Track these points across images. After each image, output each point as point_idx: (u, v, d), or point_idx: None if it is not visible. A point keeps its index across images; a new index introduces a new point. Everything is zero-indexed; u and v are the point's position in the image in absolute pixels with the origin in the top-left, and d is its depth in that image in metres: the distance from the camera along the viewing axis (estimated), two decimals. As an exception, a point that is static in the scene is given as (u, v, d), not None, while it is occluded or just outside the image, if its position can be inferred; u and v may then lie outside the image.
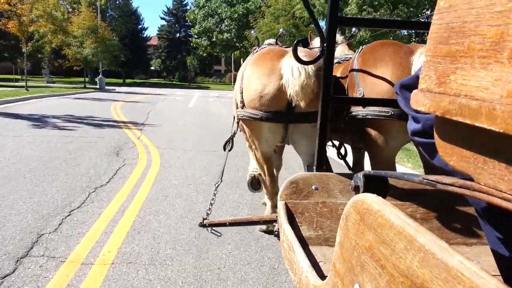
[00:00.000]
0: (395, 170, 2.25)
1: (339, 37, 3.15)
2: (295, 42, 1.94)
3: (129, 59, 49.89)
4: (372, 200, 0.69)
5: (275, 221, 1.84)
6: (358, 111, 2.12)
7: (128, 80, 52.26)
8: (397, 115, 1.96)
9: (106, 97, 19.05)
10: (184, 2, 44.69)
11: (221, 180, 2.52)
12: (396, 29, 10.91)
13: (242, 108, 2.44)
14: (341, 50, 3.09)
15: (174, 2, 57.36)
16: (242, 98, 2.43)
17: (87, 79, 30.79)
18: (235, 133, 2.86)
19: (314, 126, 1.89)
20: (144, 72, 62.99)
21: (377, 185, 0.97)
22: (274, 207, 2.60)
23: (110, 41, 27.06)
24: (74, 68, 35.36)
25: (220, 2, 26.30)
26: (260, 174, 2.89)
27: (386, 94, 2.06)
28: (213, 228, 2.16)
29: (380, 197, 0.69)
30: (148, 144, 6.92)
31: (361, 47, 2.40)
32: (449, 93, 0.62)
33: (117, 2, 46.18)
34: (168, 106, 15.68)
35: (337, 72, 2.49)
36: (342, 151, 2.85)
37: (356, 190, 1.00)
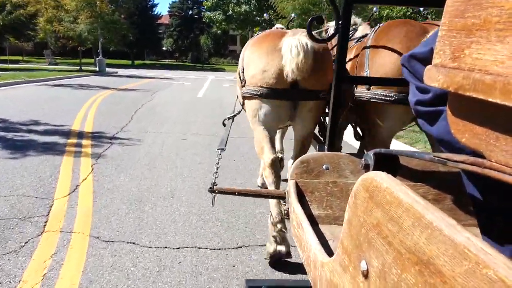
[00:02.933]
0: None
1: (357, 20, 3.11)
2: (309, 19, 1.92)
3: (138, 39, 46.26)
4: (381, 177, 0.68)
5: (284, 197, 1.75)
6: (362, 93, 2.11)
7: (137, 62, 48.67)
8: (400, 99, 1.97)
9: (97, 83, 15.41)
10: None
11: (225, 148, 2.35)
12: (413, 6, 9.69)
13: (244, 86, 2.41)
14: (362, 29, 3.01)
15: (187, -24, 52.95)
16: (244, 77, 2.41)
17: (84, 60, 27.31)
18: (239, 112, 2.82)
19: (313, 107, 2.29)
20: (155, 52, 59.30)
21: (387, 163, 0.96)
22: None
23: (109, 16, 23.18)
24: (79, 48, 32.04)
25: (238, -34, 22.07)
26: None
27: (391, 77, 2.07)
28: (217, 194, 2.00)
29: (389, 175, 0.68)
30: (82, 220, 3.19)
31: (378, 25, 2.34)
32: (463, 68, 0.61)
33: (123, -25, 42.05)
34: (170, 97, 11.92)
35: (353, 50, 2.48)
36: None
37: (366, 168, 0.98)
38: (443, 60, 0.66)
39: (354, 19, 3.01)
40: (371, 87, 2.13)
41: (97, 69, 24.95)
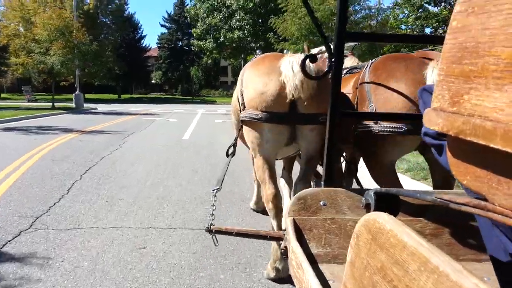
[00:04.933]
0: (397, 178, 2.22)
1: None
2: (303, 57, 1.94)
3: (126, 72, 44.01)
4: (384, 219, 0.68)
5: (283, 238, 1.78)
6: (370, 126, 2.09)
7: (124, 96, 46.26)
8: (409, 130, 1.97)
9: (64, 124, 12.66)
10: (187, 5, 37.99)
11: (221, 187, 2.33)
12: (406, 43, 9.74)
13: (243, 110, 2.32)
14: (349, 60, 3.13)
15: (176, 8, 51.45)
16: (243, 100, 2.31)
17: (66, 96, 24.72)
18: (236, 139, 2.67)
19: (315, 129, 2.19)
20: (144, 86, 57.07)
21: (388, 202, 0.96)
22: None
23: (87, 46, 20.68)
24: (61, 83, 29.57)
25: (229, -11, 19.85)
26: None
27: (399, 111, 2.05)
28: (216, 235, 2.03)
29: (392, 216, 0.69)
30: None
31: (370, 61, 2.37)
32: (462, 113, 0.62)
33: (109, 6, 40.19)
34: (147, 141, 9.16)
35: (346, 84, 2.46)
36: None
37: (367, 208, 0.97)
38: (442, 104, 0.67)
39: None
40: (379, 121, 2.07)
41: (73, 105, 22.33)
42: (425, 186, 4.40)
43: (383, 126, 2.04)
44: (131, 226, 3.47)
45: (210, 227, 1.93)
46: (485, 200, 0.62)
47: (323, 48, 3.18)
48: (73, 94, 23.02)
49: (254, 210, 3.98)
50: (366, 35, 4.61)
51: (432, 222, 1.45)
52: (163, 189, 4.74)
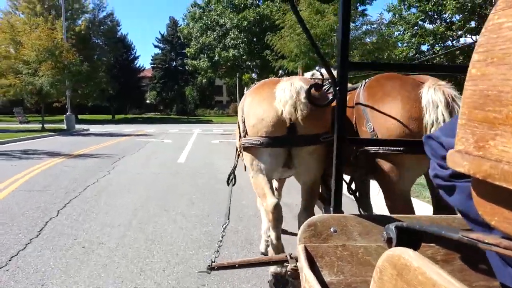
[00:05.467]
0: (411, 203, 2.18)
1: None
2: (308, 86, 2.02)
3: (119, 93, 43.48)
4: (410, 255, 0.69)
5: (286, 261, 1.75)
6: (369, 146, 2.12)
7: (118, 116, 45.53)
8: (408, 150, 1.94)
9: (51, 147, 11.92)
10: (180, 25, 37.45)
11: (229, 220, 2.35)
12: (411, 73, 6.82)
13: (244, 137, 2.39)
14: None
15: (169, 28, 51.38)
16: (245, 127, 2.38)
17: (50, 117, 24.04)
18: (235, 166, 2.77)
19: (314, 152, 2.25)
20: (138, 106, 56.47)
21: (410, 236, 0.95)
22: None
23: (77, 66, 20.08)
24: (53, 105, 28.89)
25: (223, 8, 19.33)
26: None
27: (397, 128, 2.07)
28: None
29: (417, 253, 0.70)
30: None
31: (364, 80, 2.38)
32: (489, 158, 0.62)
33: (101, 27, 39.90)
34: (138, 166, 8.44)
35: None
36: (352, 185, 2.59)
37: (389, 242, 0.97)
38: (466, 148, 0.68)
39: (323, 70, 2.90)
40: None
41: (65, 127, 21.60)
42: (418, 202, 4.31)
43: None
44: (109, 287, 2.72)
45: (212, 264, 1.90)
46: None
47: (315, 72, 3.21)
48: (65, 115, 22.30)
49: (263, 254, 3.18)
50: (369, 64, 4.53)
51: (444, 247, 1.43)
52: (154, 228, 3.99)
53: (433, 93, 1.94)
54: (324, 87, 2.49)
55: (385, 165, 2.11)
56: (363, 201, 2.58)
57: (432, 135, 1.08)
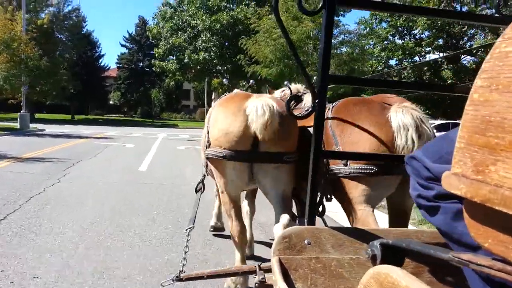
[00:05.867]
0: (375, 221, 2.15)
1: (300, 87, 3.18)
2: (288, 98, 2.01)
3: (81, 92, 41.47)
4: (398, 274, 0.69)
5: (255, 272, 1.79)
6: (340, 168, 2.10)
7: (78, 117, 43.46)
8: (381, 171, 1.99)
9: (-4, 148, 10.76)
10: (149, 25, 35.81)
11: (193, 225, 2.34)
12: (392, 89, 6.76)
13: (208, 147, 2.44)
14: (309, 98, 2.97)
15: (138, 28, 49.88)
16: (209, 138, 2.43)
17: (4, 115, 22.36)
18: (204, 176, 2.79)
19: (278, 168, 2.28)
20: (101, 106, 54.31)
21: (394, 254, 0.97)
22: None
23: (36, 61, 18.72)
24: (9, 101, 27.00)
25: (196, 9, 18.65)
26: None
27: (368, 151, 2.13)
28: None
29: (406, 272, 0.70)
30: None
31: (331, 105, 2.39)
32: (489, 183, 0.63)
33: (66, 22, 38.02)
34: (93, 174, 7.65)
35: (307, 125, 2.44)
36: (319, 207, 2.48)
37: (373, 259, 0.98)
38: (464, 171, 0.68)
39: (296, 86, 3.05)
40: (348, 163, 2.08)
41: (18, 126, 20.07)
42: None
43: (353, 168, 2.04)
44: None
45: (180, 275, 1.89)
46: (510, 264, 0.64)
47: (285, 89, 3.23)
48: (19, 113, 20.75)
49: (213, 230, 3.98)
50: (348, 78, 4.48)
51: (412, 260, 1.42)
52: (105, 255, 3.31)
53: (402, 116, 1.96)
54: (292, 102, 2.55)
55: (354, 188, 2.12)
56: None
57: (415, 156, 1.09)
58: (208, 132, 2.44)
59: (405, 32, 24.80)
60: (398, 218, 2.33)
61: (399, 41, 25.60)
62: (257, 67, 12.33)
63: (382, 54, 25.83)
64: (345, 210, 2.25)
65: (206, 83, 28.84)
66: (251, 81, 3.38)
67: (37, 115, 37.22)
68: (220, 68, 18.87)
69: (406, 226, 2.40)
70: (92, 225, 4.13)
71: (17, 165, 8.04)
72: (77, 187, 6.13)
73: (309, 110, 1.93)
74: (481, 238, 0.67)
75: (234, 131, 2.22)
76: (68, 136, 16.91)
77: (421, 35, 24.30)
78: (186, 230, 2.28)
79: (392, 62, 27.98)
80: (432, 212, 0.98)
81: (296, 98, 2.09)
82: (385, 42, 25.96)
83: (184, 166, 9.01)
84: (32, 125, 21.71)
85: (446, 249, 0.78)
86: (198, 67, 19.95)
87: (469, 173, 0.67)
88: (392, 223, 2.37)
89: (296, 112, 2.14)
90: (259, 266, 1.74)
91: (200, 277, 1.91)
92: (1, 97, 20.25)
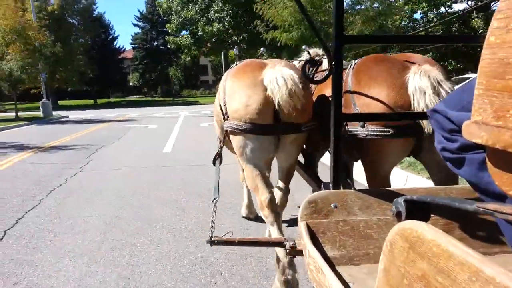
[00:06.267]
0: (390, 185, 2.15)
1: (319, 51, 2.97)
2: (303, 62, 2.06)
3: (99, 76, 41.52)
4: (423, 228, 0.68)
5: (284, 242, 1.81)
6: (357, 130, 2.08)
7: (100, 101, 43.66)
8: (396, 133, 1.98)
9: (22, 138, 10.66)
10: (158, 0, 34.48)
11: (218, 196, 2.29)
12: (405, 43, 9.16)
13: (227, 119, 2.31)
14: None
15: (148, 5, 48.95)
16: (226, 110, 2.30)
17: (29, 105, 22.47)
18: (221, 148, 2.62)
19: (295, 140, 2.27)
20: (121, 89, 54.48)
21: (419, 210, 0.96)
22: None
23: (50, 48, 18.44)
24: (31, 91, 27.19)
25: (206, -23, 17.76)
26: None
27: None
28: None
29: (431, 226, 0.68)
30: None
31: (353, 61, 2.35)
32: (510, 128, 0.61)
33: (75, 6, 37.56)
34: (115, 161, 7.31)
35: (328, 87, 2.16)
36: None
37: (398, 216, 0.97)
38: (484, 118, 0.66)
39: (316, 50, 2.95)
40: (366, 124, 2.03)
41: (41, 114, 20.12)
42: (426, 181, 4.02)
43: (370, 130, 2.01)
44: None
45: (212, 238, 1.91)
46: None
47: (302, 57, 3.14)
48: (40, 102, 20.78)
49: (246, 217, 3.68)
50: (364, 37, 4.31)
51: (443, 217, 1.42)
52: (130, 256, 2.90)
53: (419, 79, 1.90)
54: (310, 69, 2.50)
55: (372, 149, 2.12)
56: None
57: (437, 109, 1.04)
58: (225, 105, 2.31)
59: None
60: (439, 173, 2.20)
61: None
62: (276, 33, 11.52)
63: (406, 7, 24.25)
64: (365, 171, 2.26)
65: (222, 55, 28.09)
66: (261, 48, 3.18)
67: (60, 102, 37.61)
68: (236, 38, 18.04)
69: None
70: (116, 219, 3.74)
71: (39, 156, 7.80)
72: (99, 176, 5.78)
73: (326, 74, 1.92)
74: (505, 185, 0.66)
75: (253, 105, 2.13)
76: (91, 122, 16.78)
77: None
78: (213, 201, 2.24)
79: (417, 15, 26.33)
80: (458, 165, 0.96)
81: (312, 62, 2.11)
82: (408, -7, 24.31)
83: (209, 143, 8.56)
84: (55, 113, 21.79)
85: (471, 201, 0.73)
86: (213, 39, 19.15)
87: (489, 120, 0.65)
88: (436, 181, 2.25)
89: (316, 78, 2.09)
90: (300, 234, 1.69)
91: (231, 243, 1.92)
92: (19, 87, 20.15)
